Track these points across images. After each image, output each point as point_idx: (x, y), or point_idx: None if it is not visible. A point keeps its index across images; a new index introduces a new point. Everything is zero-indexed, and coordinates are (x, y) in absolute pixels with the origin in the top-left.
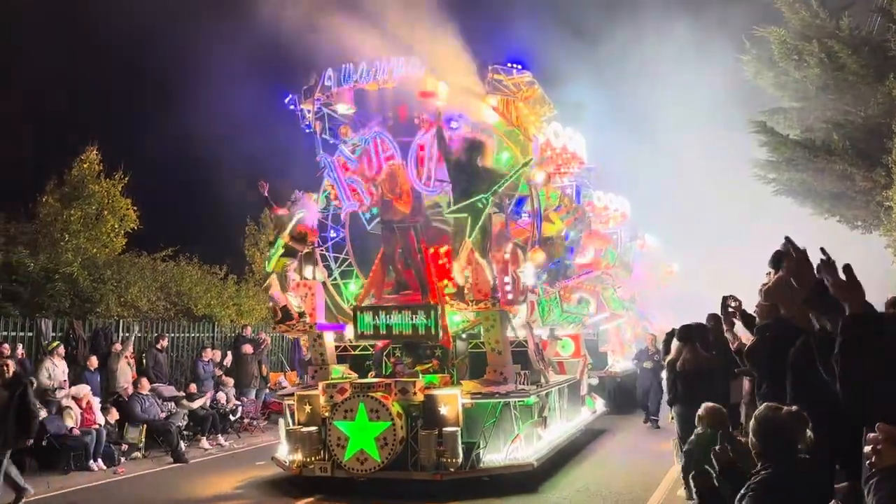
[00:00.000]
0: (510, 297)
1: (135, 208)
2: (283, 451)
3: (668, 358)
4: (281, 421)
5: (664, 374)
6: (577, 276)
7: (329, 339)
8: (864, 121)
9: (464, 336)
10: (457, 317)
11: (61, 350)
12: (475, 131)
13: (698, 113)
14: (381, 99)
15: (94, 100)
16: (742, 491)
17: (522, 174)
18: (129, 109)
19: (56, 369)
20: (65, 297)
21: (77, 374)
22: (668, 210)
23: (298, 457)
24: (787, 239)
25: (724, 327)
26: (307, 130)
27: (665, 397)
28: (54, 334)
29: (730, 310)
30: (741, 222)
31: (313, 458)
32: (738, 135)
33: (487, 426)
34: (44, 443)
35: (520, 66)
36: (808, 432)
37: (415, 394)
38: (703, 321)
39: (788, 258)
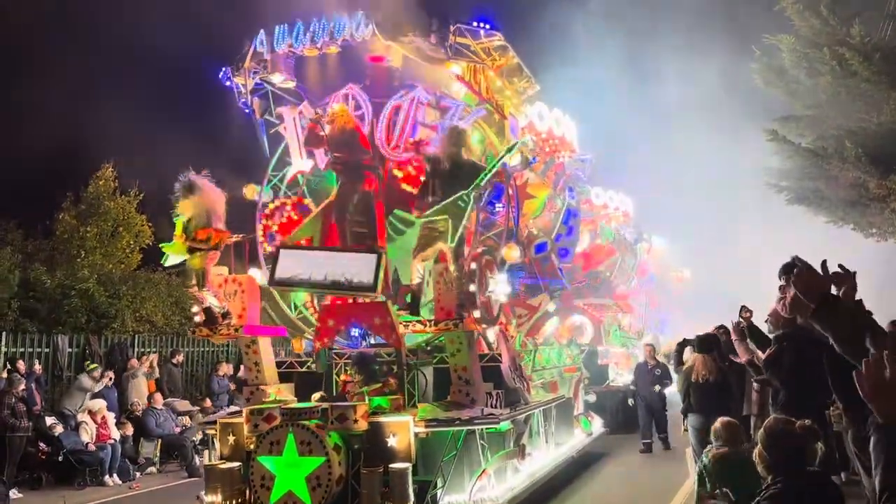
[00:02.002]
0: (478, 315)
1: (150, 224)
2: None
3: (685, 367)
4: (207, 454)
5: (668, 391)
6: (575, 283)
7: (267, 350)
8: (877, 127)
9: (428, 348)
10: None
11: (96, 374)
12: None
13: (708, 112)
14: (322, 67)
15: (108, 114)
16: None
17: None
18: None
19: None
20: (81, 313)
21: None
22: (675, 211)
23: (218, 498)
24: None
25: (737, 338)
26: (246, 110)
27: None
28: (70, 350)
29: (740, 321)
30: (753, 221)
31: (235, 502)
32: (749, 135)
33: (447, 460)
34: (59, 458)
35: (488, 26)
36: (819, 445)
37: (356, 421)
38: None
39: (797, 272)
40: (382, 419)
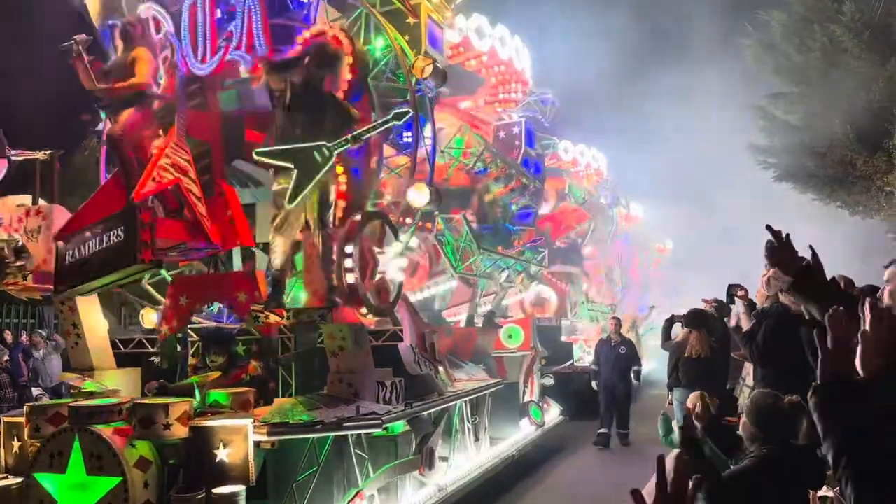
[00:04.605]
0: (365, 306)
1: None
2: None
3: (675, 341)
4: None
5: (634, 372)
6: (520, 245)
7: (92, 315)
8: (865, 105)
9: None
10: (304, 294)
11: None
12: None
13: (695, 85)
14: None
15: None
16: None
17: (408, 72)
18: None
19: None
20: None
21: None
22: (655, 180)
23: None
24: (768, 227)
25: (743, 310)
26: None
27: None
28: (56, 321)
29: (736, 299)
30: (738, 192)
31: None
32: (737, 110)
33: (302, 480)
34: None
35: None
36: (805, 421)
37: (167, 426)
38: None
39: (771, 248)
40: (208, 423)
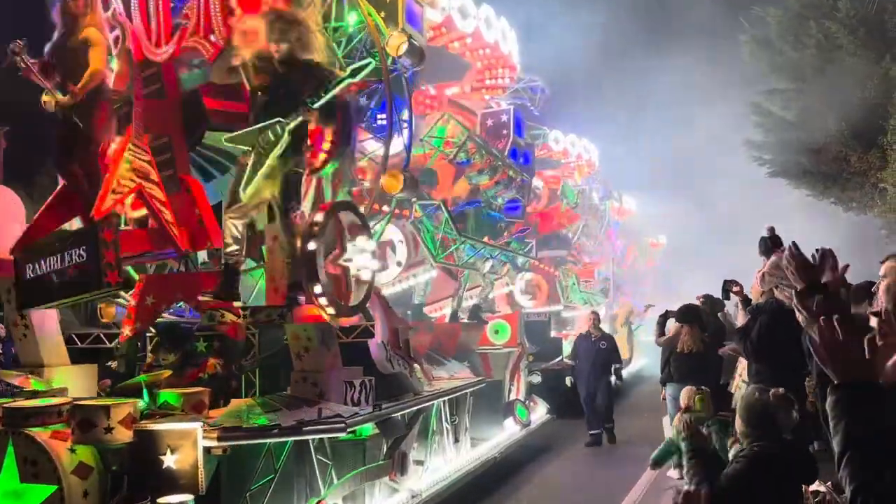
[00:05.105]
0: (328, 301)
1: None
2: None
3: (666, 337)
4: None
5: (615, 370)
6: (508, 235)
7: (46, 315)
8: (860, 102)
9: (275, 317)
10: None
11: None
12: None
13: (691, 80)
14: None
15: None
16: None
17: (387, 46)
18: None
19: None
20: None
21: None
22: (649, 173)
23: None
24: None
25: (741, 307)
26: None
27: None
28: None
29: (732, 295)
30: (732, 187)
31: None
32: (731, 105)
33: (257, 488)
34: None
35: None
36: (795, 414)
37: (109, 430)
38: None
39: (779, 250)
40: (154, 427)
